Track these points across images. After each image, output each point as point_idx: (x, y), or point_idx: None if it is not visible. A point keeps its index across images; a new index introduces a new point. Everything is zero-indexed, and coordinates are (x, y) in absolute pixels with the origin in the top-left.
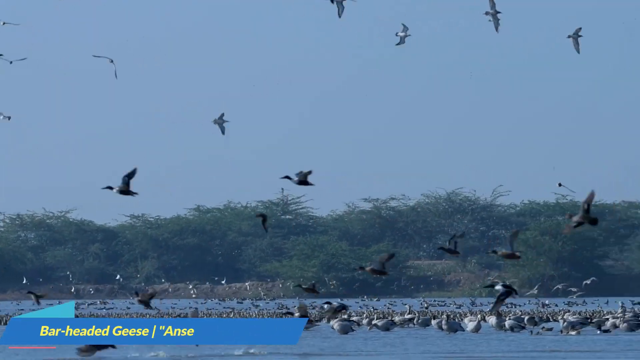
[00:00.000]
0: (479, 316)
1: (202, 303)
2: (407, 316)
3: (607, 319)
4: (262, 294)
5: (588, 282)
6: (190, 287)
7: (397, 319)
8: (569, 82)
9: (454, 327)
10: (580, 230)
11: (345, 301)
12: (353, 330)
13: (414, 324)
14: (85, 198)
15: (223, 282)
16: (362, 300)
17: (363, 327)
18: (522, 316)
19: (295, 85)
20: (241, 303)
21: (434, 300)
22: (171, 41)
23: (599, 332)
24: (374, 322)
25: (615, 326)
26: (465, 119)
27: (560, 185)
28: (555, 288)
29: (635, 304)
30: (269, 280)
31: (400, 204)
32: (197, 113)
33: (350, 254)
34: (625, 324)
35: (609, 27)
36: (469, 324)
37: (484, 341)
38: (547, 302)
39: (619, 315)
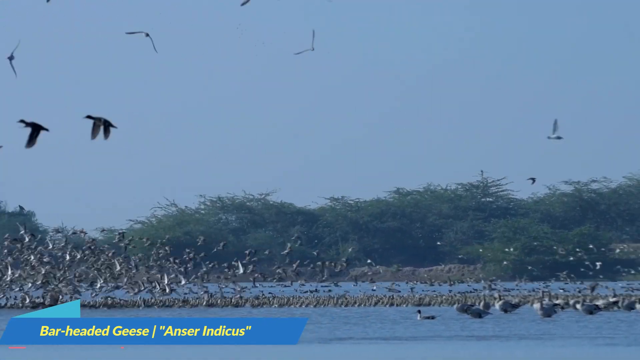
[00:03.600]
0: None
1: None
2: (611, 299)
3: None
4: (463, 276)
5: None
6: (392, 269)
7: (600, 302)
8: None
9: None
10: None
11: (549, 284)
12: (556, 312)
13: (618, 307)
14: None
15: (424, 265)
16: (565, 283)
17: (567, 311)
18: None
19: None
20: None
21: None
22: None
23: None
24: (577, 305)
25: None
26: None
27: None
28: None
29: None
30: (469, 263)
31: (602, 186)
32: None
33: (552, 237)
34: None
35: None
36: None
37: None
38: None
39: None
